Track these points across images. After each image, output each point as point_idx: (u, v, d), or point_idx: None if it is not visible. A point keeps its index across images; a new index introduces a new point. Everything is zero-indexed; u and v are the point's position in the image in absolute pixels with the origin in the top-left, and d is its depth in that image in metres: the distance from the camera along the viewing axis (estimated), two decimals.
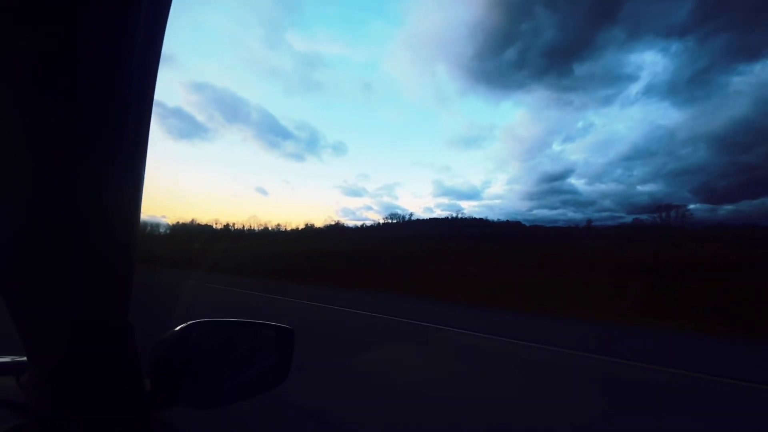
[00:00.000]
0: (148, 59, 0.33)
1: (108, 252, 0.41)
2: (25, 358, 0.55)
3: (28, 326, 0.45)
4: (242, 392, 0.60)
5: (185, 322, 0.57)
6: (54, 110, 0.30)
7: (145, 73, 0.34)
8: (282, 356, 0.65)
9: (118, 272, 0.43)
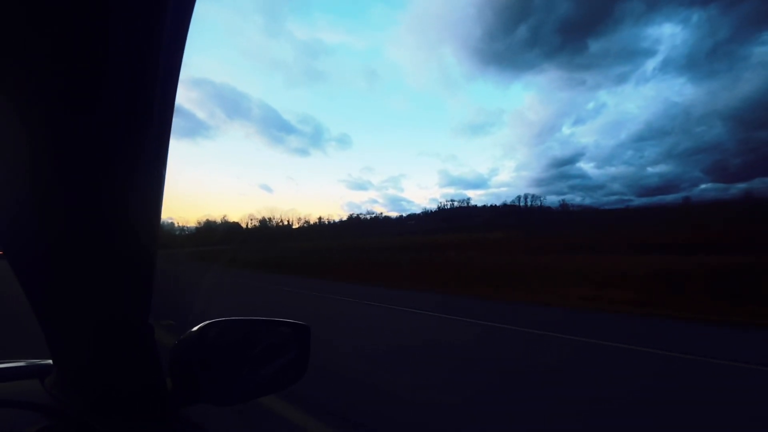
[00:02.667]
0: (171, 65, 0.33)
1: (131, 254, 0.41)
2: (47, 361, 0.56)
3: (53, 328, 0.45)
4: (261, 389, 0.60)
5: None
6: (81, 116, 0.31)
7: (167, 79, 0.34)
8: (299, 353, 0.65)
9: (141, 274, 0.43)
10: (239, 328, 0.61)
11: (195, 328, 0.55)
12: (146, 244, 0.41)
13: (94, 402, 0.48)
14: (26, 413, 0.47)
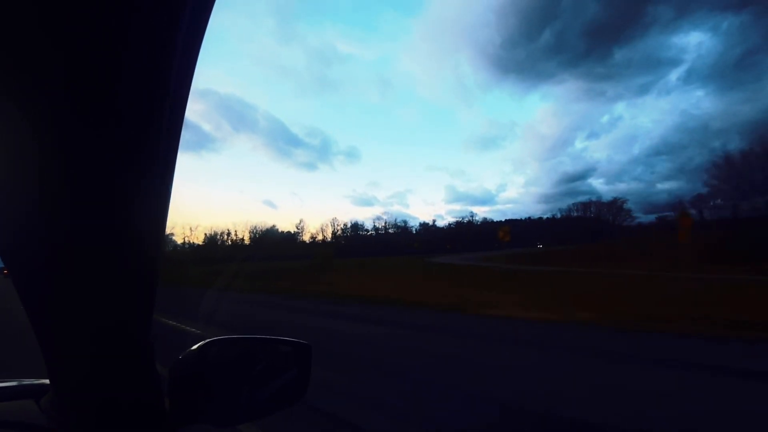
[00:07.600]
0: (182, 79, 0.34)
1: (134, 269, 0.41)
2: (43, 381, 0.55)
3: (51, 345, 0.45)
4: (261, 409, 0.59)
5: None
6: (92, 127, 0.31)
7: (178, 91, 0.34)
8: (300, 372, 0.64)
9: (143, 289, 0.43)
10: (240, 347, 0.60)
11: (195, 347, 0.54)
12: (150, 259, 0.41)
13: (91, 422, 0.47)
14: None
